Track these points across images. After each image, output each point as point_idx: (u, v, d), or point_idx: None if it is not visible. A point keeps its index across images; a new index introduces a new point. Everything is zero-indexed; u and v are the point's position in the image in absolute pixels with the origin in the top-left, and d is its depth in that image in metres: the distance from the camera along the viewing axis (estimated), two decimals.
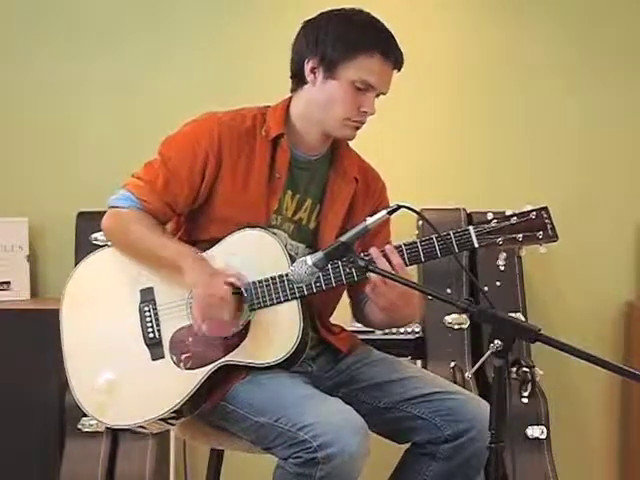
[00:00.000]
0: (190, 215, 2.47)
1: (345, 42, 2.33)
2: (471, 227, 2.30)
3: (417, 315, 2.45)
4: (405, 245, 2.30)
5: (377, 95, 2.39)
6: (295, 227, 2.47)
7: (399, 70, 2.39)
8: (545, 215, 2.29)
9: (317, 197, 2.49)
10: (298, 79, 2.43)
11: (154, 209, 2.41)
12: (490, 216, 2.30)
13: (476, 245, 2.29)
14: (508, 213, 2.29)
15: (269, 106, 2.48)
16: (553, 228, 2.29)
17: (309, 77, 2.39)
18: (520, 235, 2.28)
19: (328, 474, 2.16)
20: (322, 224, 2.47)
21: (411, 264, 2.31)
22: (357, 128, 2.41)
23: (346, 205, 2.48)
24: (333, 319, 2.56)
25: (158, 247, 2.38)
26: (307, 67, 2.38)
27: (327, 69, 2.35)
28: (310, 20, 2.43)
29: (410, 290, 2.25)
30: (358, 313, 2.56)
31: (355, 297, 2.55)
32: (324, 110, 2.38)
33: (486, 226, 2.29)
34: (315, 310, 2.45)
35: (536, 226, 2.28)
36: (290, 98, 2.47)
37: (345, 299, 2.58)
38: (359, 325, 2.64)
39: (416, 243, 2.30)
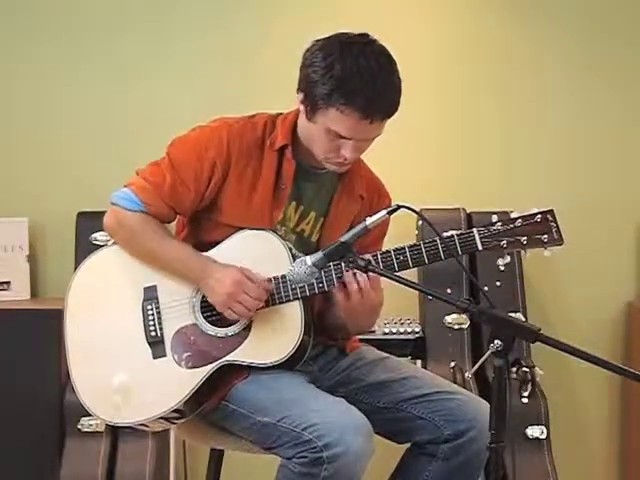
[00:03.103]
0: (195, 217, 2.46)
1: (322, 91, 2.25)
2: (475, 229, 2.27)
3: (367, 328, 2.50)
4: (408, 247, 2.29)
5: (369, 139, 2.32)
6: (297, 238, 2.46)
7: (388, 118, 2.29)
8: (550, 218, 2.25)
9: (322, 211, 2.47)
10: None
11: (158, 212, 2.40)
12: (495, 218, 2.27)
13: (480, 248, 2.27)
14: (513, 215, 2.26)
15: (281, 113, 2.46)
16: (558, 231, 2.25)
17: (300, 107, 2.36)
18: (525, 238, 2.25)
19: (333, 474, 2.17)
20: (323, 238, 2.45)
21: (414, 266, 2.30)
22: (343, 164, 2.36)
23: (349, 222, 2.46)
24: None
25: (169, 252, 2.39)
26: (298, 98, 2.35)
27: (308, 110, 2.31)
28: (314, 46, 2.32)
29: (375, 306, 2.30)
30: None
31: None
32: (309, 144, 2.37)
33: (490, 228, 2.26)
34: (316, 310, 2.44)
35: (541, 229, 2.25)
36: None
37: None
38: None
39: (419, 245, 2.29)
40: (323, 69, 2.25)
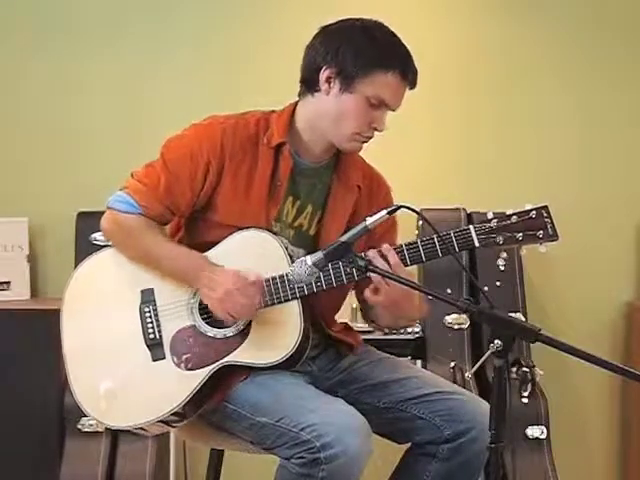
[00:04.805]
0: (190, 218, 2.46)
1: (366, 57, 2.30)
2: (472, 226, 2.29)
3: (418, 314, 2.44)
4: (406, 245, 2.30)
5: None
6: (295, 233, 2.46)
7: (412, 88, 2.37)
8: (545, 214, 2.27)
9: (319, 204, 2.47)
10: (309, 85, 2.39)
11: (155, 214, 2.40)
12: (490, 215, 2.29)
13: (477, 244, 2.28)
14: (508, 212, 2.29)
15: (274, 111, 2.45)
16: (553, 227, 2.27)
17: (323, 86, 2.35)
18: (520, 234, 2.27)
19: (330, 474, 2.16)
20: (322, 231, 2.45)
21: (412, 264, 2.30)
22: (364, 142, 2.40)
23: (348, 213, 2.46)
24: (339, 316, 2.55)
25: (165, 254, 2.38)
26: (322, 76, 2.34)
27: (344, 82, 2.32)
28: (330, 27, 2.38)
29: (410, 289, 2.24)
30: (366, 315, 2.54)
31: (362, 299, 2.53)
32: (335, 122, 2.36)
33: (486, 225, 2.28)
34: (319, 309, 2.44)
35: (536, 225, 2.27)
36: (296, 103, 2.44)
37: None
38: (360, 325, 2.64)
39: (417, 243, 2.29)
40: (365, 37, 2.33)
